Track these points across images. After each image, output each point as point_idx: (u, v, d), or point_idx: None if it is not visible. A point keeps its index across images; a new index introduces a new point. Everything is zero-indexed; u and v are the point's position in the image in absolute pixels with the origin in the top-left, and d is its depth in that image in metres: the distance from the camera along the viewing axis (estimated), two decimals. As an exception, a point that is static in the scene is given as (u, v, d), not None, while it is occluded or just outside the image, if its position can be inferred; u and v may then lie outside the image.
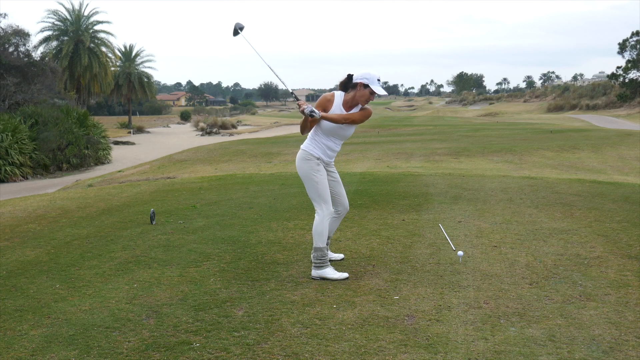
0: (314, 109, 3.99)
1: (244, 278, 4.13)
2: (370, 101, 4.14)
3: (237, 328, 3.20)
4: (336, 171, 4.36)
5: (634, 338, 3.01)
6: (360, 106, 4.15)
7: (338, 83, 4.22)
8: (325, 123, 4.09)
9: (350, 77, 4.13)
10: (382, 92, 4.07)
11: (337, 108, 4.11)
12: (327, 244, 4.25)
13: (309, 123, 4.10)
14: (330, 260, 4.48)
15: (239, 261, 4.59)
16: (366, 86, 4.06)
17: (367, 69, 4.09)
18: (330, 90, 4.58)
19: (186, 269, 4.41)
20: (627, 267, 4.27)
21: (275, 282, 4.02)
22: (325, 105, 4.11)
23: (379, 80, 4.07)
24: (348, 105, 4.13)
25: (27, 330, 3.25)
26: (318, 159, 4.16)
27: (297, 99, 4.15)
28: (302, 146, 4.26)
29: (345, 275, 4.12)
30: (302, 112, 3.98)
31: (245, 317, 3.36)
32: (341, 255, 4.65)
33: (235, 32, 4.41)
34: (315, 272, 4.10)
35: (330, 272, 4.09)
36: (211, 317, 3.36)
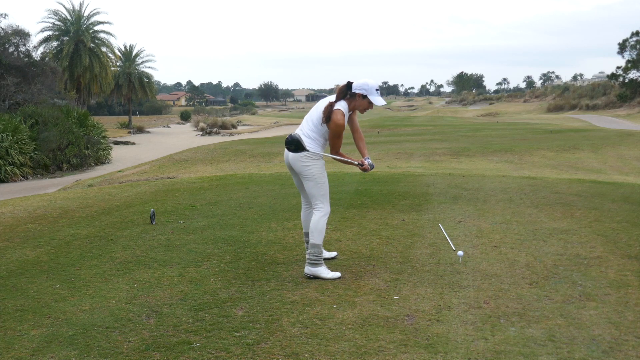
0: (371, 161, 4.38)
1: (244, 278, 4.13)
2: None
3: (237, 328, 3.20)
4: None
5: (634, 338, 3.01)
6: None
7: (336, 90, 4.20)
8: (326, 129, 4.12)
9: (349, 85, 4.14)
10: (381, 102, 4.18)
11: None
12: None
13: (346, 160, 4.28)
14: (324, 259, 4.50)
15: (239, 261, 4.59)
16: (364, 97, 4.10)
17: (366, 77, 4.13)
18: (330, 90, 4.55)
19: (186, 269, 4.41)
20: (627, 267, 4.27)
21: (275, 282, 4.02)
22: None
23: (377, 90, 4.12)
24: (348, 112, 4.17)
25: (27, 330, 3.25)
26: (321, 158, 4.19)
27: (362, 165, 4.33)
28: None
29: (338, 274, 4.12)
30: (366, 169, 4.29)
31: (245, 317, 3.36)
32: (334, 253, 4.66)
33: None
34: (309, 269, 4.10)
35: (324, 272, 4.10)
36: (211, 317, 3.37)
